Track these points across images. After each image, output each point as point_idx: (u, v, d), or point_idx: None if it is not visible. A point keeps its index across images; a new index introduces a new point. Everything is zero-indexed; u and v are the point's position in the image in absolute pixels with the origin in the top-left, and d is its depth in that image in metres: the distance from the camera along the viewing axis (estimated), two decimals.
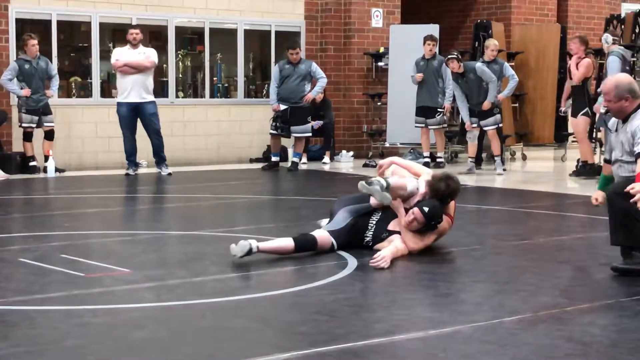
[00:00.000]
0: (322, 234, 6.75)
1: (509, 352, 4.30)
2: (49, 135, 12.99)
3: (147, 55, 12.75)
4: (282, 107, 13.59)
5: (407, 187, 6.80)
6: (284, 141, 14.29)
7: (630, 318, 4.95)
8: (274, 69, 13.86)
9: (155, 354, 4.30)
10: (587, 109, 12.28)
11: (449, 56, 13.07)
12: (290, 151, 14.39)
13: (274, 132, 13.77)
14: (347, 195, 7.37)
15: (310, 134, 14.04)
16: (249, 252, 6.38)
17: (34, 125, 12.82)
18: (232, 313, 5.09)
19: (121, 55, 12.67)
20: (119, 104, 12.74)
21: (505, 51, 15.83)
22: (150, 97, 12.78)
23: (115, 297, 5.46)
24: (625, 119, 6.18)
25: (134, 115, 12.70)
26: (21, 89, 12.70)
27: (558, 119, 15.23)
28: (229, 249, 6.51)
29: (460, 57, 13.11)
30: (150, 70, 12.76)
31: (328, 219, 7.12)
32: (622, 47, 12.45)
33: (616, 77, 6.38)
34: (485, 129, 13.12)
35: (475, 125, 13.05)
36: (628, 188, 5.73)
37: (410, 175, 6.97)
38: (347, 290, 5.64)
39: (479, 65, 12.97)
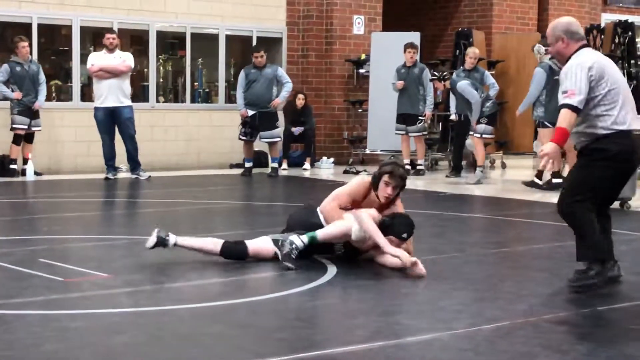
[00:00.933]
0: (262, 245, 6.58)
1: None
2: (29, 138, 12.95)
3: (123, 59, 12.73)
4: (250, 112, 13.58)
5: (345, 232, 6.38)
6: (265, 147, 14.28)
7: (606, 327, 4.99)
8: (240, 75, 13.81)
9: (133, 359, 4.29)
10: None
11: (431, 77, 13.21)
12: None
13: (243, 138, 13.76)
14: (300, 211, 7.08)
15: (279, 139, 13.98)
16: (162, 243, 6.41)
17: (25, 127, 12.80)
18: (211, 319, 5.08)
19: (97, 60, 12.65)
20: (96, 109, 12.72)
21: (486, 59, 15.92)
22: (127, 102, 12.76)
23: (93, 302, 5.44)
24: (566, 61, 5.80)
25: (111, 120, 12.68)
26: (12, 91, 12.68)
27: None
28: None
29: (441, 76, 13.11)
30: (126, 75, 12.74)
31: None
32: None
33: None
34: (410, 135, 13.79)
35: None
36: (539, 151, 5.69)
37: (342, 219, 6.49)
38: (326, 297, 5.65)
39: (460, 84, 12.90)
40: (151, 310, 5.24)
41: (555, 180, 12.12)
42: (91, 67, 12.62)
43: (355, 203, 6.69)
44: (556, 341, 4.65)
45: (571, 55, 5.77)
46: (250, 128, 13.63)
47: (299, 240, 6.38)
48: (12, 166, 12.80)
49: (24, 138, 12.93)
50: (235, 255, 6.54)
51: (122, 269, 6.42)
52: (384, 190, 6.61)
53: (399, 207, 6.77)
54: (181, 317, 5.09)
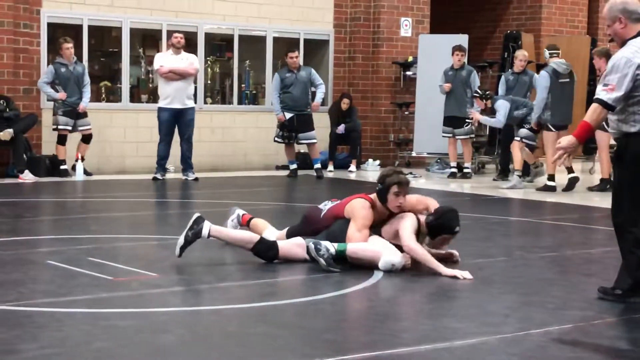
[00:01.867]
0: (293, 249, 6.57)
1: None
2: (87, 139, 13.09)
3: (191, 62, 12.87)
4: (288, 115, 13.64)
5: (372, 260, 6.33)
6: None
7: None
8: (275, 78, 13.86)
9: (181, 358, 4.32)
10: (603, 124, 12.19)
11: (473, 94, 13.12)
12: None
13: (280, 140, 13.81)
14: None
15: (315, 140, 13.96)
16: (195, 236, 6.50)
17: (69, 129, 12.93)
18: (257, 319, 5.10)
19: (165, 61, 12.73)
20: (160, 109, 12.78)
21: (534, 62, 15.79)
22: (192, 103, 12.91)
23: (142, 301, 5.48)
24: (622, 45, 5.47)
25: (174, 121, 12.77)
26: (56, 92, 12.82)
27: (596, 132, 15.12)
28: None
29: (484, 94, 12.92)
30: (192, 77, 12.90)
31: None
32: (560, 61, 12.49)
33: None
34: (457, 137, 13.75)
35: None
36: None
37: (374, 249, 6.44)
38: (373, 299, 5.63)
39: (497, 104, 12.74)
40: (198, 310, 5.27)
41: (550, 183, 12.06)
42: (160, 68, 12.68)
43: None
44: (606, 346, 4.60)
45: (629, 39, 5.45)
46: (289, 131, 13.70)
47: (332, 248, 6.34)
48: (62, 167, 12.93)
49: (82, 139, 13.08)
50: (265, 256, 6.57)
51: (169, 268, 6.46)
52: (396, 201, 6.56)
53: (409, 205, 6.70)
54: (228, 317, 5.11)
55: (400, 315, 5.25)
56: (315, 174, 13.79)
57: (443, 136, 14.12)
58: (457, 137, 13.95)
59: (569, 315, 5.25)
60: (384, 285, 6.01)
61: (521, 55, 13.61)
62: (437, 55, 14.72)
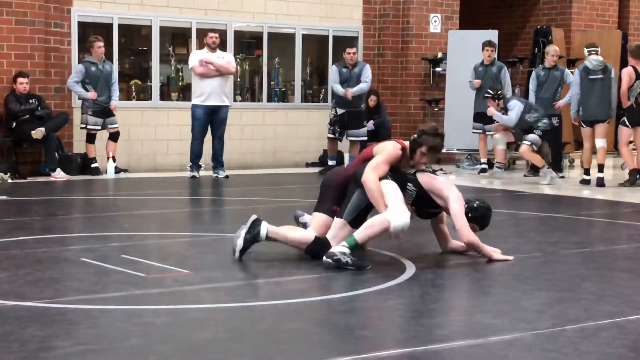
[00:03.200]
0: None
1: None
2: (114, 137, 13.15)
3: (228, 60, 12.92)
4: (340, 111, 13.65)
5: (382, 231, 6.32)
6: (341, 146, 14.29)
7: None
8: (333, 69, 13.87)
9: (216, 355, 4.33)
10: (624, 118, 12.39)
11: (485, 95, 13.07)
12: (346, 156, 14.39)
13: (332, 135, 13.82)
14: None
15: (365, 138, 14.01)
16: (253, 240, 6.46)
17: (99, 128, 13.00)
18: (290, 316, 5.10)
19: (200, 58, 12.74)
20: (196, 107, 12.79)
21: (565, 57, 15.68)
22: (227, 101, 12.94)
23: (175, 298, 5.50)
24: None
25: (208, 119, 12.80)
26: (87, 91, 12.89)
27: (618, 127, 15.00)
28: (286, 251, 6.54)
29: (496, 94, 12.89)
30: (230, 75, 12.95)
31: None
32: (593, 58, 12.52)
33: None
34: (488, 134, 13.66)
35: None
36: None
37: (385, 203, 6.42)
38: (405, 296, 5.62)
39: (510, 104, 12.79)
40: (232, 307, 5.27)
41: (585, 177, 12.39)
42: (200, 62, 12.66)
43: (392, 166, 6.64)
44: None
45: None
46: (340, 127, 13.71)
47: (345, 249, 6.28)
48: (93, 165, 13.00)
49: (110, 137, 13.13)
50: (319, 256, 6.50)
51: (202, 265, 6.48)
52: (420, 159, 6.62)
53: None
54: (261, 314, 5.12)
55: (434, 311, 5.23)
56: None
57: (473, 132, 14.07)
58: (488, 133, 13.87)
59: (604, 312, 5.21)
60: (416, 281, 5.99)
61: (552, 50, 13.54)
62: (467, 51, 14.66)
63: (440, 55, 15.85)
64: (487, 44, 13.88)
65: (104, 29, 13.87)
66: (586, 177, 12.50)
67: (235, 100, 14.97)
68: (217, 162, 12.96)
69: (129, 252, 6.86)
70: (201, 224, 9.12)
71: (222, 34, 14.70)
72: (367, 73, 13.80)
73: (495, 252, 6.68)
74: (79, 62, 13.25)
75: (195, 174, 12.85)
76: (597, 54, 12.72)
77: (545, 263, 6.78)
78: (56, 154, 12.74)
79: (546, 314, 5.16)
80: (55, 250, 7.02)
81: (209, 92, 12.69)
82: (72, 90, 13.09)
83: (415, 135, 6.65)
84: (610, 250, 7.50)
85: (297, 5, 15.30)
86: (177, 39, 14.67)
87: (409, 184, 6.63)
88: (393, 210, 6.31)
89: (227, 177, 12.84)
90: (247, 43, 15.54)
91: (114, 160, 13.02)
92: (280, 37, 15.41)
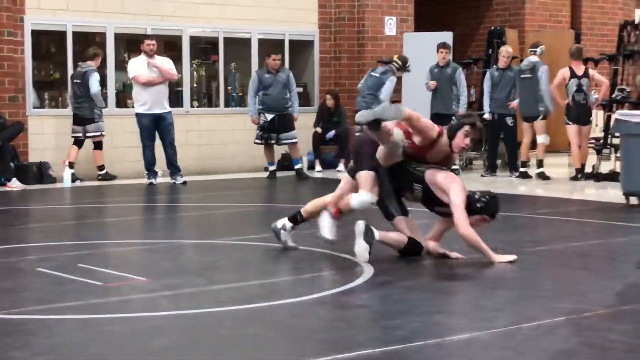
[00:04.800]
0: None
1: (527, 358, 4.29)
2: (79, 144, 13.14)
3: (170, 67, 12.88)
4: (269, 116, 13.64)
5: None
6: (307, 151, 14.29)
7: None
8: (253, 78, 13.86)
9: None
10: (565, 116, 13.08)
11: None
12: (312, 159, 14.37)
13: (259, 142, 13.80)
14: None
15: (296, 140, 13.97)
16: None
17: (81, 135, 13.04)
18: (249, 321, 5.09)
19: (141, 66, 12.69)
20: (140, 115, 12.75)
21: (519, 58, 15.80)
22: (169, 107, 12.90)
23: (133, 306, 5.47)
24: None
25: (154, 126, 12.77)
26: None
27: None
28: (244, 257, 6.52)
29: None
30: (169, 81, 12.95)
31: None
32: (527, 59, 13.50)
33: None
34: None
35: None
36: None
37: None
38: (365, 298, 5.63)
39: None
40: (190, 313, 5.25)
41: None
42: (138, 75, 12.66)
43: (422, 148, 6.72)
44: (598, 339, 4.60)
45: None
46: (269, 132, 13.70)
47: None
48: (50, 172, 12.95)
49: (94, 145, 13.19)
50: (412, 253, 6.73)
51: (160, 272, 6.45)
52: (462, 141, 6.70)
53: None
54: (220, 320, 5.10)
55: (392, 312, 5.24)
56: (295, 174, 13.77)
57: None
58: None
59: (561, 309, 5.26)
60: (376, 283, 6.01)
61: (504, 52, 13.72)
62: (423, 53, 14.71)
63: (396, 57, 15.88)
64: (442, 45, 13.96)
65: (58, 37, 13.75)
66: (522, 170, 13.27)
67: (192, 106, 14.91)
68: (173, 168, 12.90)
69: (85, 260, 6.81)
70: (158, 230, 9.07)
71: (178, 39, 14.66)
72: (293, 81, 13.90)
73: (499, 257, 6.63)
74: (33, 71, 13.18)
75: (153, 180, 12.79)
76: (534, 54, 13.42)
77: (491, 264, 6.77)
78: (12, 164, 12.61)
79: (504, 313, 5.20)
80: (11, 261, 6.94)
81: (152, 100, 12.67)
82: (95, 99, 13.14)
83: (454, 120, 6.83)
84: (567, 248, 7.56)
85: (252, 9, 15.27)
86: (132, 45, 14.58)
87: (415, 183, 6.72)
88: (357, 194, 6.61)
89: (184, 183, 12.78)
90: (203, 48, 15.48)
91: (70, 167, 12.94)
92: (237, 42, 15.37)
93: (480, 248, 6.58)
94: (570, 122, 12.90)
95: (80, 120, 13.10)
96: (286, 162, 14.44)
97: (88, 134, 13.14)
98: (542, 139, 13.26)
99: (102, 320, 5.04)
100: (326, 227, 6.75)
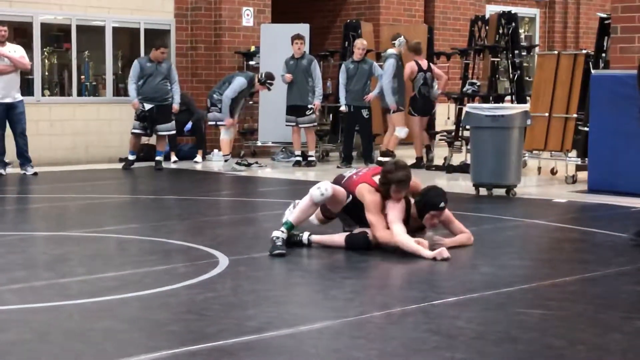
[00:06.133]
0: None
1: (378, 346, 4.36)
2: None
3: (22, 55, 12.50)
4: (148, 106, 13.46)
5: (313, 196, 6.84)
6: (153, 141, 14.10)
7: (493, 311, 5.09)
8: (135, 65, 13.65)
9: (20, 357, 4.18)
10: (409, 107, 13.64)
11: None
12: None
13: (138, 131, 13.60)
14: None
15: (174, 132, 13.95)
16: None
17: None
18: (99, 314, 4.99)
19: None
20: None
21: (374, 51, 16.05)
22: (20, 96, 12.54)
23: None
24: None
25: (5, 115, 12.39)
26: None
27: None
28: (96, 249, 6.38)
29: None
30: (21, 70, 12.57)
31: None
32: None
33: None
34: (300, 126, 13.93)
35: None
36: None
37: None
38: (218, 289, 5.61)
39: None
40: (38, 307, 5.11)
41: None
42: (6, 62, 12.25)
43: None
44: (445, 326, 4.72)
45: None
46: (148, 122, 13.49)
47: (280, 233, 6.71)
48: None
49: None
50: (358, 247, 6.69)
51: (7, 265, 6.25)
52: (397, 196, 6.73)
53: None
54: (69, 313, 4.98)
55: (245, 303, 5.24)
56: (154, 165, 13.63)
57: (286, 125, 14.19)
58: (300, 125, 14.03)
59: (410, 297, 5.37)
60: (229, 274, 6.00)
61: (360, 44, 13.95)
62: (279, 44, 14.76)
63: (253, 48, 15.90)
64: (296, 37, 14.03)
65: None
66: (380, 160, 13.13)
67: (43, 95, 14.52)
68: (24, 158, 12.55)
69: None
70: (7, 223, 8.79)
71: (28, 26, 14.24)
72: (175, 73, 13.84)
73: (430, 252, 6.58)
74: None
75: (2, 171, 12.41)
76: (393, 46, 13.77)
77: (355, 253, 6.88)
78: None
79: (355, 302, 5.27)
80: None
81: (2, 89, 12.29)
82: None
83: (382, 179, 6.76)
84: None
85: None
86: None
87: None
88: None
89: (35, 174, 12.44)
90: (55, 36, 15.08)
91: None
92: (90, 29, 15.04)
93: (414, 251, 6.55)
94: (415, 114, 13.40)
95: None
96: (141, 153, 14.22)
97: None
98: (397, 132, 13.52)
99: None
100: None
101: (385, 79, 13.43)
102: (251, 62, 15.93)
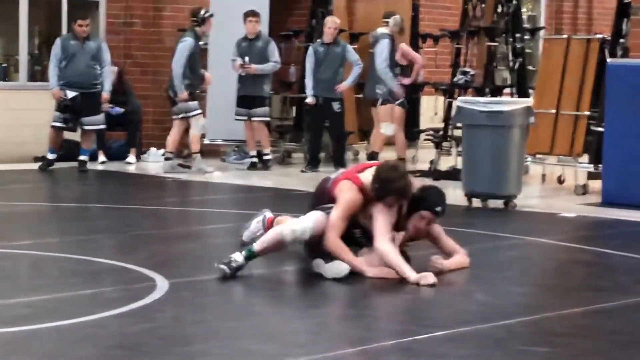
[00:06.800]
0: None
1: None
2: None
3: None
4: (71, 94, 13.31)
5: (285, 237, 6.66)
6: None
7: (489, 348, 5.09)
8: (56, 45, 13.48)
9: None
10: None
11: None
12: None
13: (60, 124, 13.43)
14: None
15: (104, 126, 13.79)
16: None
17: None
18: (10, 347, 4.95)
19: None
20: None
21: (348, 31, 16.06)
22: None
23: None
24: None
25: None
26: None
27: (408, 114, 15.50)
28: (7, 269, 6.32)
29: None
30: None
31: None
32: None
33: None
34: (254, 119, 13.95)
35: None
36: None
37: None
38: (155, 319, 5.58)
39: None
40: None
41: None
42: None
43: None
44: None
45: None
46: (72, 113, 13.33)
47: (239, 256, 6.55)
48: None
49: None
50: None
51: None
52: (394, 205, 6.73)
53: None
54: None
55: (189, 337, 5.21)
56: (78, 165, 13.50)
57: (236, 119, 14.11)
58: (254, 119, 13.94)
59: (390, 331, 5.37)
60: (170, 300, 5.97)
61: (331, 23, 13.90)
62: (231, 23, 14.65)
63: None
64: (250, 13, 13.93)
65: None
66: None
67: None
68: None
69: None
70: None
71: None
72: (106, 53, 13.69)
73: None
74: None
75: None
76: (387, 24, 13.60)
77: (318, 276, 6.81)
78: None
79: (323, 336, 5.28)
80: None
81: None
82: None
83: (377, 185, 6.70)
84: None
85: None
86: None
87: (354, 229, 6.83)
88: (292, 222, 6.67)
89: None
90: None
91: None
92: (2, 0, 14.96)
93: (397, 266, 6.56)
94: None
95: None
96: (60, 152, 14.09)
97: None
98: (382, 129, 13.38)
99: None
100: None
101: (380, 63, 13.30)
102: (200, 42, 15.86)
